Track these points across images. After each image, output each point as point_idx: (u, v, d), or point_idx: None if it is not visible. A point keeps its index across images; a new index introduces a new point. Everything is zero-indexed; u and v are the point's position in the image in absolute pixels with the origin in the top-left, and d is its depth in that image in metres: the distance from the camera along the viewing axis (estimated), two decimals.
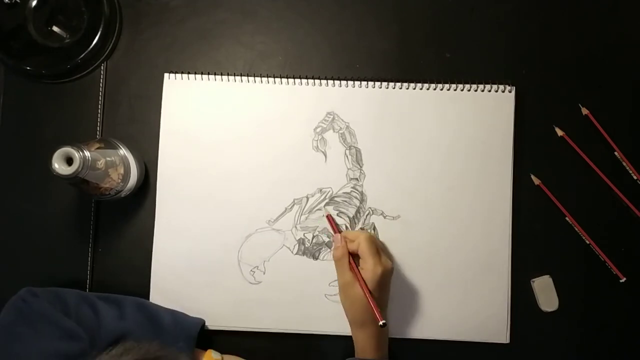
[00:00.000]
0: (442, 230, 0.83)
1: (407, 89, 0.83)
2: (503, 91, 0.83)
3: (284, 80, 0.84)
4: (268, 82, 0.84)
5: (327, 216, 0.82)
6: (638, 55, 0.85)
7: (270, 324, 0.82)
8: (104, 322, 0.73)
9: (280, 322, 0.82)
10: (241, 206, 0.83)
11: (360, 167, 0.83)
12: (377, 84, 0.83)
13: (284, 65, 0.85)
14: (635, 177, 0.84)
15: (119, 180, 0.76)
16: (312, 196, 0.83)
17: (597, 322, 0.83)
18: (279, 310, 0.82)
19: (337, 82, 0.83)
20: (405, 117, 0.83)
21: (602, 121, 0.84)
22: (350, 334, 0.78)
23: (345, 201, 0.83)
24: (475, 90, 0.83)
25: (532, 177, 0.84)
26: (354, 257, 0.77)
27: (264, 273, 0.82)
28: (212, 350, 0.79)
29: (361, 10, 0.86)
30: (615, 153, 0.84)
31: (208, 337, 0.83)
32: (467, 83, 0.84)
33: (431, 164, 0.83)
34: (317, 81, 0.83)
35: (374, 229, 0.83)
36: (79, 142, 0.71)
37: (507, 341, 0.82)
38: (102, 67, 0.85)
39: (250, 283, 0.82)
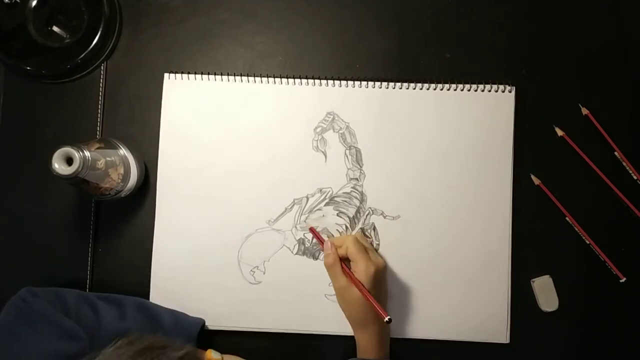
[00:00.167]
0: (442, 230, 0.83)
1: (407, 89, 0.83)
2: (503, 91, 0.83)
3: (284, 80, 0.84)
4: (268, 82, 0.84)
5: (310, 229, 0.82)
6: (638, 55, 0.85)
7: (270, 324, 0.82)
8: (104, 322, 0.73)
9: (280, 322, 0.82)
10: (241, 206, 0.83)
11: (360, 167, 0.83)
12: (377, 84, 0.83)
13: (284, 65, 0.85)
14: (635, 177, 0.84)
15: (119, 180, 0.76)
16: (312, 196, 0.83)
17: (597, 322, 0.83)
18: (279, 310, 0.82)
19: (337, 82, 0.83)
20: (405, 117, 0.83)
21: (602, 121, 0.84)
22: (351, 334, 0.78)
23: (345, 201, 0.83)
24: (475, 90, 0.83)
25: (532, 177, 0.84)
26: (345, 261, 0.77)
27: (264, 273, 0.82)
28: (212, 350, 0.78)
29: (361, 10, 0.86)
30: (615, 153, 0.84)
31: (208, 337, 0.83)
32: (467, 83, 0.84)
33: (431, 164, 0.83)
34: (317, 81, 0.83)
35: (374, 229, 0.83)
36: (79, 142, 0.71)
37: (507, 341, 0.82)
38: (102, 67, 0.85)
39: (250, 283, 0.82)
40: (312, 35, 0.86)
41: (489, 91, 0.83)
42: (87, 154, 0.69)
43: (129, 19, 0.86)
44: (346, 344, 0.80)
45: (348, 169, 0.83)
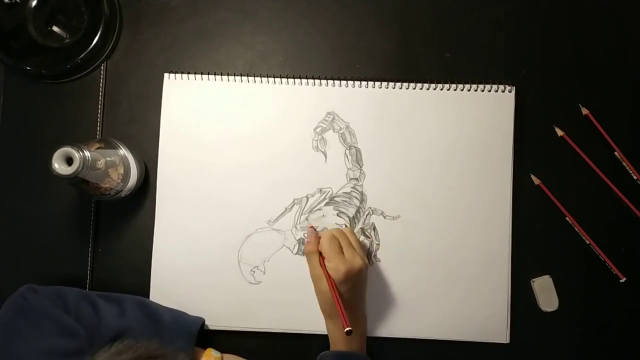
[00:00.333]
0: (442, 230, 0.83)
1: (407, 89, 0.83)
2: (503, 91, 0.83)
3: (284, 80, 0.84)
4: (268, 82, 0.84)
5: (308, 227, 0.82)
6: (638, 55, 0.85)
7: (270, 324, 0.82)
8: (104, 320, 0.73)
9: (280, 322, 0.82)
10: (241, 206, 0.83)
11: (360, 167, 0.83)
12: (377, 84, 0.83)
13: (284, 65, 0.85)
14: (635, 177, 0.84)
15: (119, 180, 0.76)
16: (312, 196, 0.83)
17: (597, 322, 0.83)
18: (279, 310, 0.82)
19: (337, 82, 0.83)
20: (405, 117, 0.83)
21: (602, 121, 0.84)
22: None
23: (345, 201, 0.83)
24: (475, 90, 0.83)
25: (532, 177, 0.84)
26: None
27: (264, 273, 0.82)
28: (212, 349, 0.79)
29: (361, 10, 0.86)
30: (615, 153, 0.84)
31: (208, 337, 0.83)
32: (467, 83, 0.84)
33: (431, 164, 0.83)
34: (317, 81, 0.83)
35: (374, 229, 0.83)
36: (79, 142, 0.71)
37: (507, 341, 0.82)
38: (102, 67, 0.85)
39: (250, 283, 0.82)
40: (312, 35, 0.86)
41: (489, 91, 0.83)
42: (87, 154, 0.69)
43: (129, 19, 0.86)
44: None
45: (348, 169, 0.83)
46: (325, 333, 0.80)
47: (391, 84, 0.83)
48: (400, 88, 0.83)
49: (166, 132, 0.83)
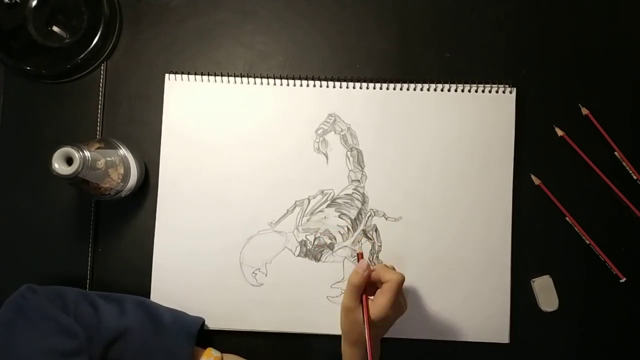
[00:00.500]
0: (443, 230, 0.83)
1: (408, 90, 0.83)
2: (504, 92, 0.83)
3: (284, 81, 0.83)
4: (269, 84, 0.83)
5: (358, 254, 0.78)
6: (638, 55, 0.85)
7: (271, 326, 0.82)
8: (103, 319, 0.73)
9: (282, 324, 0.82)
10: (242, 208, 0.83)
11: (362, 168, 0.83)
12: (378, 85, 0.83)
13: (284, 65, 0.85)
14: (635, 177, 0.84)
15: (119, 180, 0.76)
16: (314, 198, 0.83)
17: (597, 322, 0.83)
18: (281, 312, 0.82)
19: (337, 83, 0.83)
20: (406, 118, 0.83)
21: (602, 121, 0.84)
22: None
23: (347, 203, 0.83)
24: (476, 91, 0.83)
25: (532, 177, 0.84)
26: (369, 285, 0.73)
27: (266, 275, 0.82)
28: (211, 348, 0.79)
29: (361, 10, 0.86)
30: (615, 153, 0.84)
31: (208, 337, 0.83)
32: (467, 83, 0.83)
33: (432, 165, 0.83)
34: (317, 83, 0.83)
35: (376, 230, 0.83)
36: (79, 142, 0.71)
37: (508, 341, 0.82)
38: (102, 67, 0.85)
39: (252, 285, 0.82)
40: (312, 35, 0.86)
41: (490, 92, 0.83)
42: (87, 154, 0.69)
43: (129, 19, 0.86)
44: None
45: (349, 170, 0.83)
46: (326, 333, 0.81)
47: (391, 85, 0.83)
48: (401, 89, 0.83)
49: (168, 133, 0.83)
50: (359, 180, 0.83)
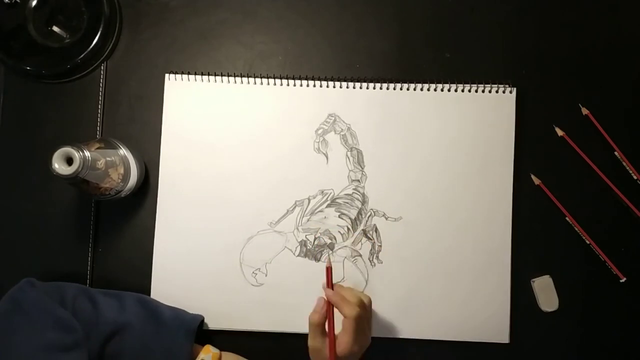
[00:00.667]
0: (444, 230, 0.83)
1: (408, 90, 0.83)
2: (504, 92, 0.83)
3: (285, 81, 0.83)
4: (269, 84, 0.83)
5: (327, 267, 0.78)
6: (638, 55, 0.85)
7: (271, 326, 0.82)
8: (102, 315, 0.73)
9: (282, 324, 0.82)
10: (242, 208, 0.83)
11: (362, 168, 0.83)
12: (378, 85, 0.83)
13: (284, 65, 0.85)
14: (635, 177, 0.84)
15: (119, 180, 0.76)
16: (314, 198, 0.83)
17: (597, 322, 0.83)
18: (281, 311, 0.82)
19: (337, 83, 0.83)
20: (406, 118, 0.83)
21: (602, 121, 0.84)
22: None
23: (347, 203, 0.83)
24: (476, 91, 0.83)
25: (532, 177, 0.84)
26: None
27: (266, 275, 0.82)
28: (210, 345, 0.79)
29: (361, 10, 0.86)
30: (615, 153, 0.84)
31: (208, 337, 0.83)
32: (467, 83, 0.83)
33: (432, 165, 0.83)
34: (317, 83, 0.83)
35: (376, 230, 0.83)
36: (79, 142, 0.71)
37: (508, 341, 0.82)
38: (102, 67, 0.85)
39: (252, 285, 0.82)
40: (312, 35, 0.86)
41: (490, 92, 0.83)
42: (87, 154, 0.69)
43: (129, 19, 0.86)
44: None
45: (350, 170, 0.83)
46: None
47: (391, 85, 0.83)
48: (401, 89, 0.83)
49: (168, 133, 0.83)
50: (359, 180, 0.83)
